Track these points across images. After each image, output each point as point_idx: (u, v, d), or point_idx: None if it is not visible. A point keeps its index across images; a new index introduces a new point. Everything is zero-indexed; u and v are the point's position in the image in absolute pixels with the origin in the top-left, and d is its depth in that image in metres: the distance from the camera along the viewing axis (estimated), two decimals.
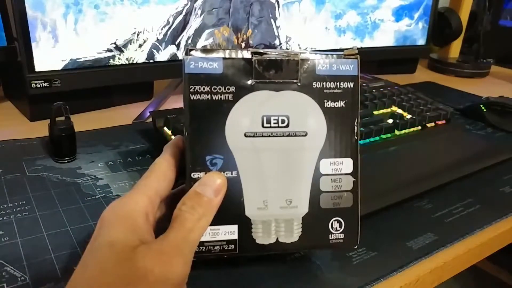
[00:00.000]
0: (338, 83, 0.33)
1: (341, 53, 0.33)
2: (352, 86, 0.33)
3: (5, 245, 0.37)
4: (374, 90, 0.70)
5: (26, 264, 0.35)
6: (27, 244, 0.38)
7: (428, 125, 0.63)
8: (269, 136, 0.32)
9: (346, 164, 0.33)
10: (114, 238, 0.26)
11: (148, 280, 0.25)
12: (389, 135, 0.59)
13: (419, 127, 0.62)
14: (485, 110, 0.72)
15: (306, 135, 0.32)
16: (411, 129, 0.61)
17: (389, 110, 0.66)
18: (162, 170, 0.31)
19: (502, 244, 0.46)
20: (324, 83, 0.33)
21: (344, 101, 0.33)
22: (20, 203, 0.43)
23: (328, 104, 0.33)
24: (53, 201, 0.44)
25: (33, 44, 0.58)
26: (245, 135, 0.32)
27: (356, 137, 0.33)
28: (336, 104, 0.33)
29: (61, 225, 0.40)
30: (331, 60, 0.33)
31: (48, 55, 0.59)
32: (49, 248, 0.37)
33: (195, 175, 0.31)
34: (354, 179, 0.33)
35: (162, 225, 0.30)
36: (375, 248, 0.39)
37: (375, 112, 0.64)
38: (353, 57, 0.33)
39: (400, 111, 0.65)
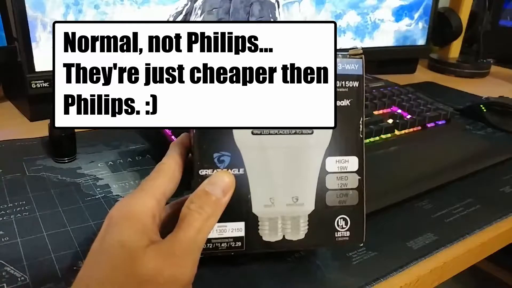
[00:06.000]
0: (343, 82, 0.33)
1: (346, 52, 0.34)
2: (357, 85, 0.34)
3: (5, 245, 0.37)
4: (374, 90, 0.70)
5: (26, 264, 0.35)
6: (27, 244, 0.38)
7: (428, 125, 0.63)
8: (276, 134, 0.32)
9: (352, 162, 0.34)
10: (124, 238, 0.26)
11: (158, 281, 0.25)
12: (389, 135, 0.59)
13: (419, 127, 0.62)
14: (485, 110, 0.72)
15: (312, 133, 0.33)
16: (411, 129, 0.61)
17: (389, 110, 0.66)
18: (171, 171, 0.31)
19: (502, 244, 0.46)
20: None
21: (349, 100, 0.33)
22: (20, 203, 0.43)
23: None
24: (53, 201, 0.44)
25: (33, 44, 0.58)
26: (252, 133, 0.32)
27: (361, 136, 0.34)
28: (342, 103, 0.33)
29: (61, 225, 0.40)
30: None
31: (48, 55, 0.59)
32: (49, 248, 0.37)
33: (202, 172, 0.31)
34: (359, 177, 0.34)
35: (164, 224, 0.30)
36: (375, 248, 0.39)
37: (375, 112, 0.64)
38: (358, 56, 0.34)
39: (400, 111, 0.65)
